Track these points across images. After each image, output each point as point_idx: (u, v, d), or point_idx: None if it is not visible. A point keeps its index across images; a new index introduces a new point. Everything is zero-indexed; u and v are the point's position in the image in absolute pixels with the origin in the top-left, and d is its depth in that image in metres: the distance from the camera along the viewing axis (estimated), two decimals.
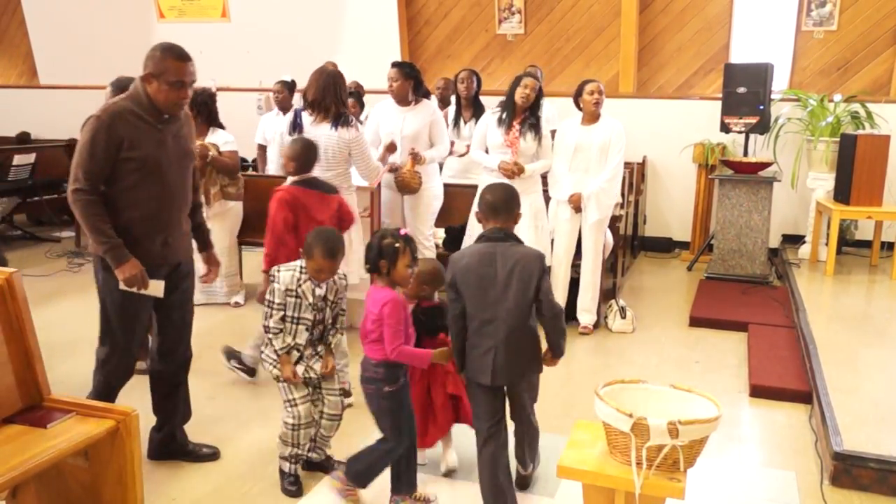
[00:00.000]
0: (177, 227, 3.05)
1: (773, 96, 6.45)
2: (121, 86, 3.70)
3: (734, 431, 3.58)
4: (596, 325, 5.04)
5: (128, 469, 2.28)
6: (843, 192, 5.82)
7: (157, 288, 2.94)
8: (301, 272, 2.94)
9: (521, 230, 4.83)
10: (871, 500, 2.97)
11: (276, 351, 2.97)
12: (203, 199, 5.06)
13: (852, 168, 5.68)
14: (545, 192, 5.01)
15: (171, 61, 2.84)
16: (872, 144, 5.65)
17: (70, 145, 9.05)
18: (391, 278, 2.74)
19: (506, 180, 4.76)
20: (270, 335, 2.96)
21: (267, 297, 2.96)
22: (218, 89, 8.81)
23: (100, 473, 2.31)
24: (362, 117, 6.93)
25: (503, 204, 2.73)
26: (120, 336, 3.00)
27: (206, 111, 5.11)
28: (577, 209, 4.83)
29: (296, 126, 4.25)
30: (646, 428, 2.17)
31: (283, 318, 2.94)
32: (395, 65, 5.04)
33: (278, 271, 2.96)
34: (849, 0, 6.72)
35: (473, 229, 4.96)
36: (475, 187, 5.07)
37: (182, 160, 3.04)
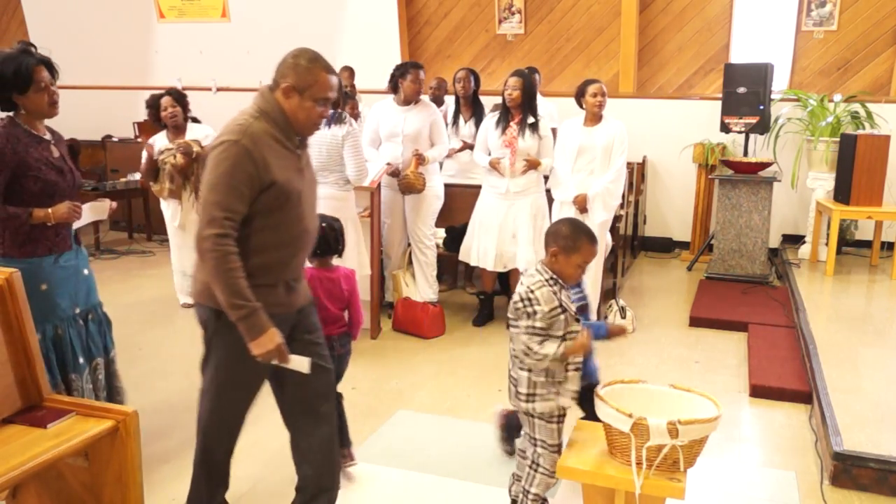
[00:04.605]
0: (301, 267, 2.52)
1: (773, 96, 6.45)
2: None
3: (734, 431, 3.58)
4: None
5: (128, 469, 2.28)
6: (843, 192, 5.82)
7: (301, 364, 2.31)
8: (551, 282, 2.46)
9: (521, 229, 4.84)
10: (871, 500, 2.97)
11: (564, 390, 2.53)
12: (193, 199, 5.06)
13: (852, 168, 5.68)
14: (548, 191, 5.00)
15: (322, 73, 2.32)
16: (872, 144, 5.65)
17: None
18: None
19: (501, 178, 4.81)
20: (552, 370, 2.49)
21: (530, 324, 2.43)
22: (218, 89, 8.73)
23: (100, 473, 2.31)
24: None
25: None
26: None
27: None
28: (583, 210, 4.82)
29: None
30: (646, 428, 2.17)
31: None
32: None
33: (531, 291, 2.42)
34: (849, 0, 6.72)
35: (475, 229, 4.96)
36: (477, 188, 5.08)
37: (314, 191, 2.54)
